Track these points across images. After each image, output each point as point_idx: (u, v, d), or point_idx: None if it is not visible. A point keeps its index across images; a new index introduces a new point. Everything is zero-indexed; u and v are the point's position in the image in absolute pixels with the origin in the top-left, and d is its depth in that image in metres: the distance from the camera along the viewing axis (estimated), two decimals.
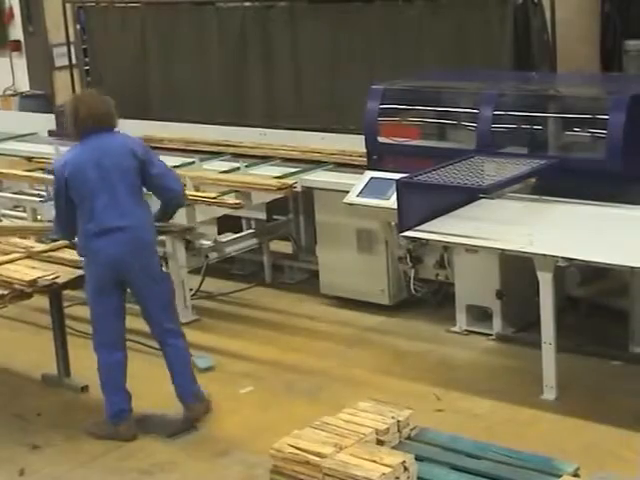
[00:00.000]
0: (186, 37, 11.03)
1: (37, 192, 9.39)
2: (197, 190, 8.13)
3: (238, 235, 8.82)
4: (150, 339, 6.95)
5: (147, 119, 10.41)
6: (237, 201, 7.87)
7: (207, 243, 8.39)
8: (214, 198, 7.94)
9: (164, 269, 6.77)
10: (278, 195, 8.23)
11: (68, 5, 11.66)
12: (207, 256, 8.29)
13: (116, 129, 6.35)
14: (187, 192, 7.19)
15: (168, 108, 10.82)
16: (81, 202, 6.21)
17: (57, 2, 11.81)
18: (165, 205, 6.56)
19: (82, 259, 6.48)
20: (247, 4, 10.97)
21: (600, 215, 6.65)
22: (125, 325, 6.47)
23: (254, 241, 8.87)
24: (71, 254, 6.84)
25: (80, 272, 6.57)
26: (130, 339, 7.59)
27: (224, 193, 8.05)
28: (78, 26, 11.88)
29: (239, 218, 9.11)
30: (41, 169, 9.42)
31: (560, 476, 4.79)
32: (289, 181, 8.16)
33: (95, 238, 6.20)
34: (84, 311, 8.10)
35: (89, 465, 6.12)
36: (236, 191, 8.17)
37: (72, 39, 11.86)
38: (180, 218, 7.53)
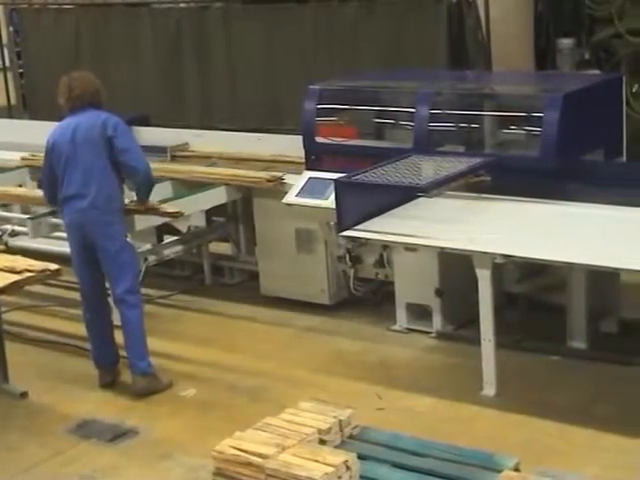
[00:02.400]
0: (121, 38, 10.98)
1: None
2: None
3: (177, 237, 8.77)
4: (86, 342, 7.05)
5: None
6: (177, 210, 7.72)
7: (146, 246, 8.33)
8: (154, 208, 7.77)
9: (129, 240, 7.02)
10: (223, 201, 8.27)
11: (0, 7, 11.54)
12: (146, 259, 8.24)
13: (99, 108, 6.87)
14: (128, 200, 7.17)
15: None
16: (58, 172, 6.78)
17: None
18: (132, 183, 7.04)
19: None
20: (182, 5, 10.97)
21: (537, 212, 6.71)
22: (100, 290, 6.97)
23: (193, 243, 8.83)
24: (6, 259, 6.77)
25: (16, 277, 6.50)
26: (68, 343, 7.55)
27: (164, 201, 7.96)
28: (11, 28, 11.77)
29: None
30: None
31: (501, 471, 4.83)
32: (278, 174, 8.10)
33: (64, 205, 6.82)
34: (22, 316, 8.04)
35: (30, 471, 6.05)
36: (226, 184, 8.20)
37: (5, 42, 11.74)
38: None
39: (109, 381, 7.02)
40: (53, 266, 6.58)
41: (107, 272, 6.86)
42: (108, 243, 6.75)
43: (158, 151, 9.02)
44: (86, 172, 6.70)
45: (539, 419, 6.14)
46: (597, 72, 9.56)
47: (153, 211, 7.26)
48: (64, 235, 7.28)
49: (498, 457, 5.03)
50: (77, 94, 6.81)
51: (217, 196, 8.23)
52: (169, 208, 7.46)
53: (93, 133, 6.73)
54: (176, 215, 7.52)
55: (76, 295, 7.85)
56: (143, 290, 8.41)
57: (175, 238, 8.74)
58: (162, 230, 8.59)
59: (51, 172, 6.86)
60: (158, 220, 7.82)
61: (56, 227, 7.92)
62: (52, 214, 7.83)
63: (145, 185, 6.97)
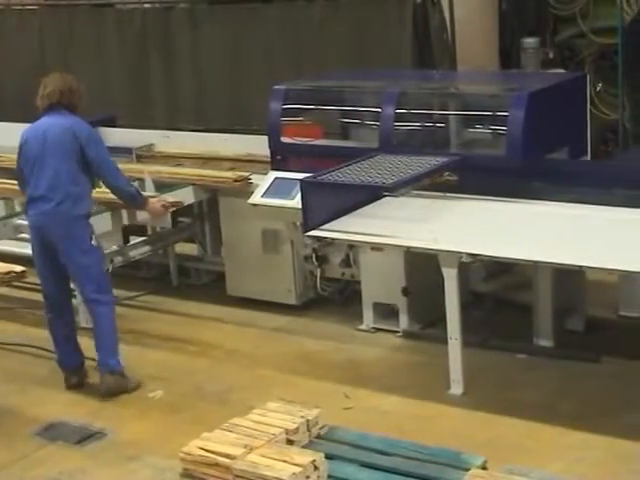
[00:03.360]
0: (86, 39, 10.93)
1: None
2: None
3: (143, 239, 8.74)
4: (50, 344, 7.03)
5: None
6: (177, 200, 7.79)
7: (112, 247, 8.29)
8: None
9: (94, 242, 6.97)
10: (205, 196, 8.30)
11: None
12: (112, 260, 8.20)
13: (73, 110, 6.87)
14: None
15: None
16: (26, 172, 6.81)
17: None
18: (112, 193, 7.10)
19: None
20: (147, 6, 10.94)
21: (503, 211, 6.74)
22: (62, 291, 6.97)
23: (159, 244, 8.80)
24: None
25: None
26: (34, 345, 7.51)
27: None
28: None
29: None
30: None
31: (468, 469, 4.85)
32: (245, 173, 8.08)
33: (29, 204, 6.83)
34: None
35: None
36: (193, 184, 8.19)
37: None
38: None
39: (75, 383, 6.98)
40: (18, 268, 6.52)
41: (73, 275, 6.86)
42: (71, 247, 6.71)
43: (123, 152, 8.98)
44: (54, 176, 6.66)
45: (506, 417, 6.16)
46: (561, 71, 9.62)
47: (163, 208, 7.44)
48: (28, 237, 7.23)
49: (465, 455, 5.05)
50: (48, 92, 6.80)
51: (183, 197, 8.20)
52: (169, 198, 7.66)
53: (64, 137, 6.71)
54: (178, 205, 7.74)
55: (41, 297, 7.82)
56: None
57: (141, 239, 8.69)
58: (128, 231, 8.55)
59: (20, 172, 6.87)
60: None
61: (20, 229, 7.88)
62: (16, 216, 7.78)
63: (123, 197, 7.07)
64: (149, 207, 7.28)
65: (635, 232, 6.16)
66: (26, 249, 7.84)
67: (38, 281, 7.09)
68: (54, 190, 6.66)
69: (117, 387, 6.83)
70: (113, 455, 6.10)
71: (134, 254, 8.49)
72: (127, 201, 7.18)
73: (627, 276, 6.87)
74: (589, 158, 7.69)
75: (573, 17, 9.79)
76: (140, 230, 8.74)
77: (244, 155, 8.71)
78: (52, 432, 6.42)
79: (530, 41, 9.65)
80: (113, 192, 7.03)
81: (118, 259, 8.25)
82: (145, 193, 7.66)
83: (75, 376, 6.99)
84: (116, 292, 7.93)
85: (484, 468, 4.93)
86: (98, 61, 10.87)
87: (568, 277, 6.94)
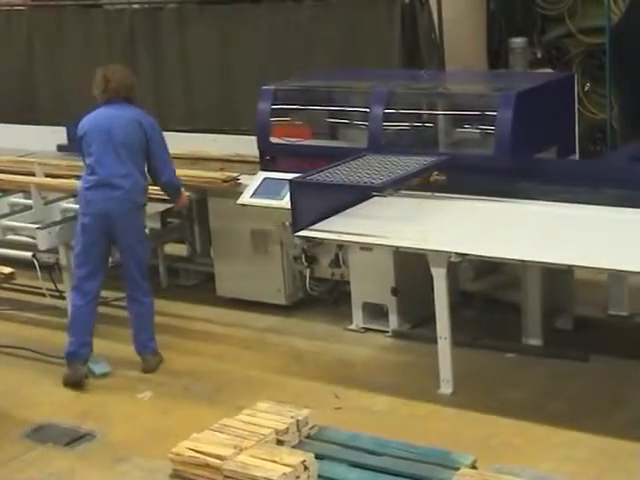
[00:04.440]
0: (74, 40, 10.91)
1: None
2: None
3: None
4: (42, 346, 6.98)
5: (34, 124, 10.20)
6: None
7: None
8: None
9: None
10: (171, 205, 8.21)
11: None
12: None
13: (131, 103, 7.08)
14: None
15: (56, 112, 10.66)
16: (88, 157, 6.96)
17: None
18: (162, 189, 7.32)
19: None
20: (135, 6, 10.92)
21: (491, 210, 6.75)
22: (102, 280, 7.14)
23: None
24: None
25: None
26: (23, 347, 7.50)
27: None
28: None
29: None
30: None
31: (458, 468, 4.87)
32: (233, 174, 8.09)
33: (92, 189, 6.92)
34: None
35: None
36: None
37: None
38: None
39: (78, 378, 6.98)
40: (7, 269, 6.53)
41: (126, 263, 7.08)
42: (131, 236, 7.00)
43: None
44: (123, 164, 6.88)
45: (495, 416, 6.17)
46: (549, 71, 9.63)
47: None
48: (18, 238, 7.23)
49: (455, 455, 5.07)
50: (113, 87, 6.98)
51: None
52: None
53: (131, 128, 6.93)
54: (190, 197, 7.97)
55: (31, 298, 7.84)
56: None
57: None
58: None
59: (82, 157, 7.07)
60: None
61: (8, 230, 7.87)
62: (4, 217, 7.77)
63: (168, 189, 7.31)
64: (180, 199, 7.52)
65: (623, 231, 6.17)
66: (15, 251, 7.87)
67: (28, 282, 7.07)
68: (124, 178, 6.88)
69: (158, 363, 7.22)
70: (103, 457, 6.09)
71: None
72: (170, 193, 7.38)
73: (616, 275, 6.90)
74: (577, 157, 7.71)
75: (561, 17, 9.81)
76: None
77: (233, 155, 8.71)
78: (41, 434, 6.41)
79: (518, 41, 9.67)
80: (161, 184, 7.23)
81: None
82: None
83: (78, 372, 7.00)
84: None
85: (474, 467, 4.95)
86: (86, 62, 10.83)
87: (557, 276, 6.96)
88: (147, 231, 7.24)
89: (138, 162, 6.97)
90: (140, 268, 7.14)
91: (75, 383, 6.97)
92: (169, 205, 8.13)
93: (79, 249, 7.05)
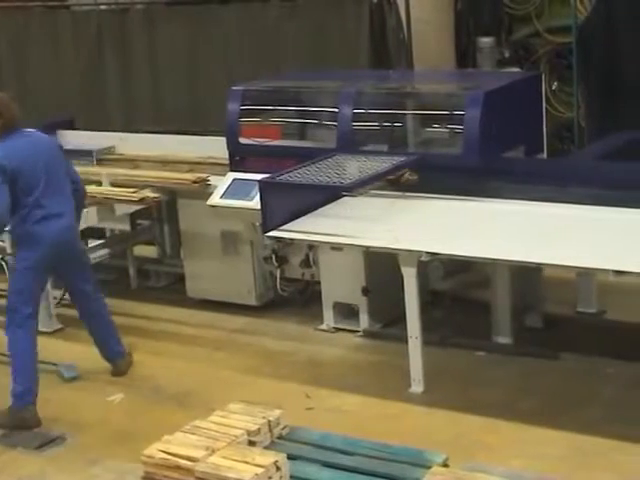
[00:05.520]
0: (41, 41, 10.84)
1: None
2: None
3: (101, 241, 8.70)
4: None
5: None
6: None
7: None
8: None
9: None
10: (141, 206, 8.19)
11: None
12: None
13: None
14: None
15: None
16: (27, 191, 6.57)
17: None
18: (75, 199, 6.96)
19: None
20: (103, 7, 10.87)
21: (461, 209, 6.77)
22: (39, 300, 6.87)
23: (118, 247, 8.77)
24: None
25: None
26: None
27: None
28: None
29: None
30: None
31: (430, 467, 4.86)
32: (151, 194, 8.06)
33: (43, 223, 6.60)
34: None
35: None
36: (96, 203, 8.06)
37: None
38: None
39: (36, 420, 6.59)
40: None
41: (82, 277, 6.96)
42: (81, 252, 7.08)
43: (84, 155, 8.94)
44: (62, 190, 6.74)
45: (466, 414, 6.20)
46: (517, 70, 9.67)
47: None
48: None
49: (427, 453, 5.06)
50: (11, 115, 6.68)
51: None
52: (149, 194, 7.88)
53: (56, 152, 6.84)
54: (156, 200, 8.06)
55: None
56: (67, 296, 8.36)
57: (100, 242, 8.67)
58: (86, 234, 8.51)
59: (11, 192, 6.50)
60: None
61: None
62: None
63: (82, 197, 7.10)
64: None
65: (591, 229, 6.21)
66: None
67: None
68: (67, 203, 6.76)
69: (128, 366, 7.24)
70: (74, 460, 6.07)
71: (93, 257, 8.43)
72: (81, 199, 7.08)
73: (584, 273, 6.94)
74: (545, 156, 7.74)
75: (528, 17, 9.85)
76: (99, 232, 8.70)
77: (205, 157, 8.68)
78: (11, 438, 6.38)
79: (486, 40, 9.70)
80: (83, 190, 7.13)
81: None
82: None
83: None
84: None
85: (446, 465, 4.95)
86: (54, 63, 10.79)
87: (526, 274, 6.99)
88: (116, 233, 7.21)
89: (67, 182, 6.82)
90: (92, 275, 7.13)
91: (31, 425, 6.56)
92: (138, 207, 8.12)
93: (24, 287, 6.65)
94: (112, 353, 7.17)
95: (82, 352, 7.36)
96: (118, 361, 7.18)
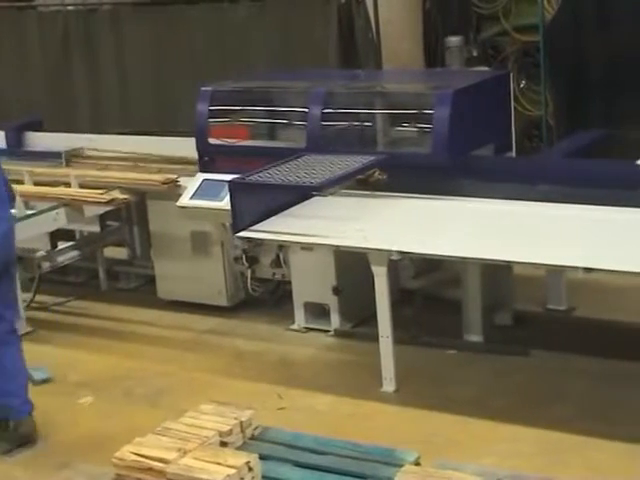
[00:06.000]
0: (7, 42, 10.80)
1: None
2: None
3: (71, 243, 8.66)
4: None
5: None
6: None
7: (40, 253, 8.21)
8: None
9: None
10: (110, 208, 8.15)
11: None
12: (40, 266, 8.12)
13: None
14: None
15: None
16: None
17: None
18: None
19: None
20: (70, 8, 10.84)
21: (431, 208, 6.78)
22: None
23: (88, 249, 8.73)
24: None
25: None
26: None
27: (52, 208, 7.90)
28: None
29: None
30: None
31: (402, 466, 4.88)
32: (120, 195, 8.03)
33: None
34: None
35: None
36: (65, 205, 8.02)
37: None
38: None
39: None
40: None
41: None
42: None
43: (53, 156, 8.90)
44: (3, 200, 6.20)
45: (438, 413, 6.22)
46: (485, 69, 9.71)
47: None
48: None
49: (399, 452, 5.08)
50: None
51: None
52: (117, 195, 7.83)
53: None
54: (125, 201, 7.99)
55: None
56: (38, 297, 8.34)
57: (69, 244, 8.63)
58: (56, 236, 8.47)
59: None
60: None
61: None
62: None
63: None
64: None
65: (560, 227, 6.24)
66: None
67: None
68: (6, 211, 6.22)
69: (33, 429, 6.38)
70: (45, 463, 6.04)
71: (62, 259, 8.41)
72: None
73: (554, 270, 6.97)
74: (514, 154, 7.77)
75: (496, 16, 9.90)
76: (68, 235, 8.66)
77: (174, 158, 8.65)
78: None
79: (454, 40, 9.73)
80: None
81: (46, 264, 8.17)
82: None
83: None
84: (44, 298, 7.91)
85: (417, 464, 4.96)
86: (21, 64, 10.75)
87: (496, 273, 7.02)
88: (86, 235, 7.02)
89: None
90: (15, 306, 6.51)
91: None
92: (107, 208, 8.09)
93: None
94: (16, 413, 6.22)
95: (52, 355, 7.32)
96: (23, 419, 6.24)
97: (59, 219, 7.93)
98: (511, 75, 8.07)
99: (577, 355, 6.76)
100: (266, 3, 9.59)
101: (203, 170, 7.82)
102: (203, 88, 7.94)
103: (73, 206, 8.05)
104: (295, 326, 7.70)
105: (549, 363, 6.75)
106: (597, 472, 5.42)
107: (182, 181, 7.93)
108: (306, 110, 7.46)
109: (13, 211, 6.87)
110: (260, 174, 6.81)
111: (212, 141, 7.84)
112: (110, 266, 8.97)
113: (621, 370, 6.52)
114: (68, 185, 8.26)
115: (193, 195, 7.62)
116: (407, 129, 7.57)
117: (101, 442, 6.09)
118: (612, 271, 5.67)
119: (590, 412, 6.05)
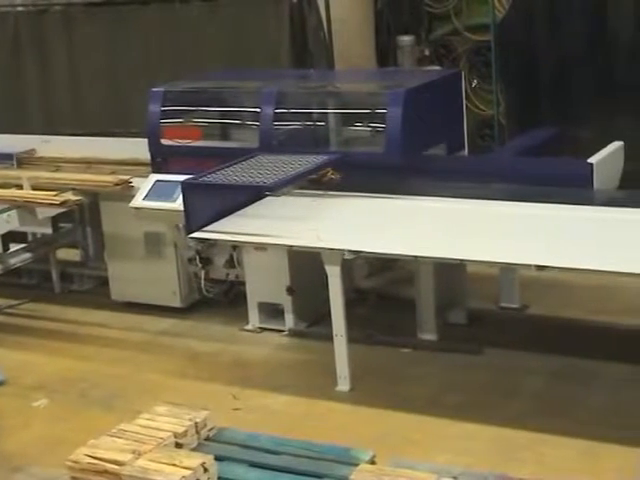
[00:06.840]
0: None
1: None
2: None
3: (23, 245, 8.59)
4: None
5: None
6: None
7: None
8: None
9: None
10: (63, 209, 8.09)
11: None
12: None
13: None
14: None
15: None
16: None
17: None
18: None
19: None
20: (20, 9, 10.75)
21: (383, 207, 6.80)
22: None
23: (40, 251, 8.67)
24: None
25: None
26: None
27: (4, 210, 7.84)
28: None
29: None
30: None
31: (357, 464, 4.89)
32: (73, 197, 7.98)
33: None
34: None
35: None
36: (17, 207, 7.95)
37: None
38: None
39: None
40: None
41: None
42: None
43: (4, 158, 8.84)
44: None
45: (393, 411, 6.24)
46: (437, 68, 9.76)
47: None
48: None
49: (354, 451, 5.09)
50: None
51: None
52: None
53: None
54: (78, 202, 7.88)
55: None
56: None
57: (21, 246, 8.57)
58: (8, 238, 8.40)
59: None
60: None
61: None
62: None
63: None
64: None
65: (512, 225, 6.28)
66: None
67: None
68: None
69: None
70: None
71: (14, 262, 8.35)
72: None
73: (506, 268, 7.02)
74: (466, 153, 7.82)
75: (447, 15, 9.96)
76: (20, 236, 8.60)
77: (127, 159, 8.61)
78: None
79: (406, 39, 9.78)
80: None
81: None
82: None
83: None
84: None
85: (373, 463, 4.98)
86: None
87: (449, 271, 7.05)
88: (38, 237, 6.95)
89: None
90: None
91: None
92: (60, 210, 8.03)
93: None
94: None
95: (6, 357, 7.27)
96: None
97: (11, 221, 7.86)
98: (463, 74, 8.13)
99: (531, 353, 6.81)
100: (218, 3, 9.58)
101: (156, 171, 7.80)
102: (155, 89, 7.92)
103: (25, 208, 7.99)
104: (249, 326, 7.69)
105: (502, 361, 6.79)
106: (551, 469, 5.46)
107: (135, 182, 7.90)
108: (258, 110, 7.46)
109: None
110: (213, 175, 6.80)
111: (164, 142, 7.82)
112: (63, 268, 8.92)
113: (574, 367, 6.58)
114: (20, 187, 8.20)
115: (146, 196, 7.60)
116: (360, 129, 7.60)
117: (55, 445, 6.05)
118: (564, 268, 5.71)
119: (544, 410, 6.10)
